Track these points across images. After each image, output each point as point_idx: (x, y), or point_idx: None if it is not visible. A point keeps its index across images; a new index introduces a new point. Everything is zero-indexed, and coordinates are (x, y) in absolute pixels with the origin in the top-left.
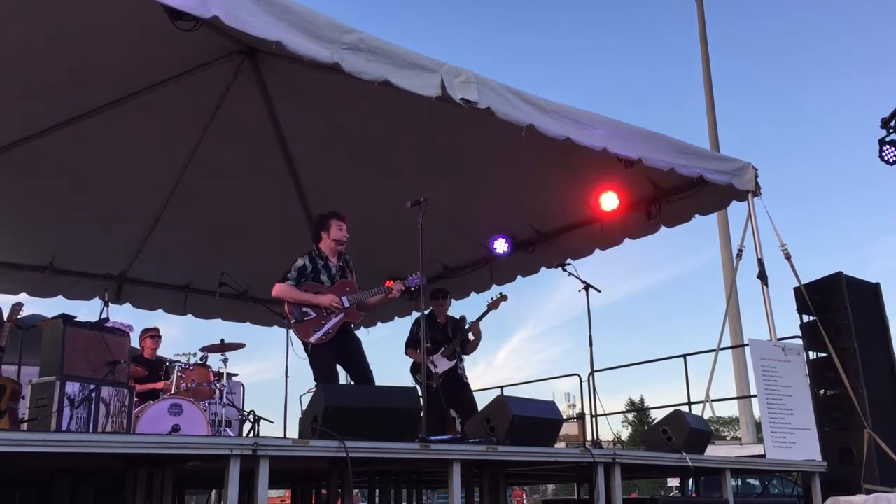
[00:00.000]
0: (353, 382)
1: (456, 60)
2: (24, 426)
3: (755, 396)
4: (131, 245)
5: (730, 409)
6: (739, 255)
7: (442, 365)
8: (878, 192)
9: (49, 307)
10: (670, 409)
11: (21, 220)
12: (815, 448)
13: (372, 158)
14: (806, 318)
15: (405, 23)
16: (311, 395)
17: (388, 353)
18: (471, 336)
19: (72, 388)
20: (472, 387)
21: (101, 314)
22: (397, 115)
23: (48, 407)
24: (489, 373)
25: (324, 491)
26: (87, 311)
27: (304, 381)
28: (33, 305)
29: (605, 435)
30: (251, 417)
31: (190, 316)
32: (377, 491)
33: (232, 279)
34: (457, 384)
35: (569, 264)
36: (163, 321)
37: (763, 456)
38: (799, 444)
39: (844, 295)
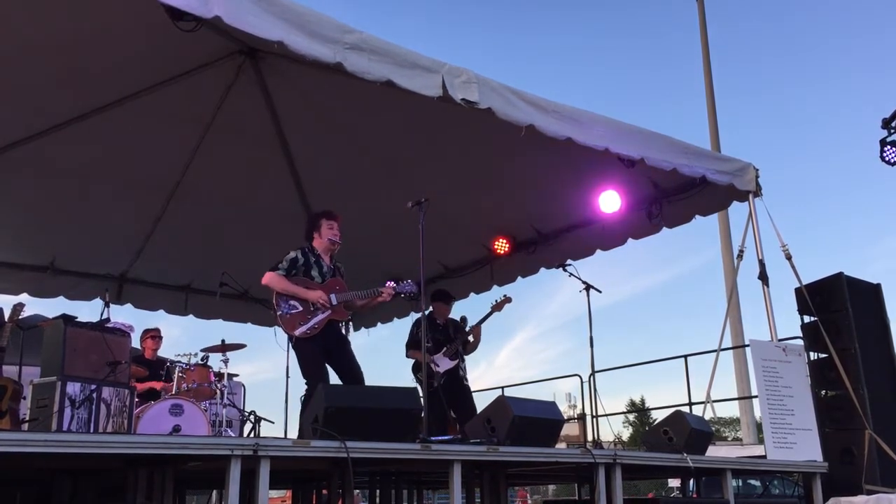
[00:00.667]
0: (340, 381)
1: (456, 60)
2: (25, 426)
3: (756, 397)
4: (132, 245)
5: (731, 410)
6: (740, 256)
7: (444, 364)
8: (879, 192)
9: (50, 307)
10: (671, 410)
11: (22, 220)
12: (815, 449)
13: (373, 158)
14: (807, 319)
15: (405, 23)
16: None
17: (387, 354)
18: (471, 338)
19: (73, 388)
20: (474, 387)
21: (101, 314)
22: (398, 115)
23: (49, 407)
24: (490, 373)
25: (324, 491)
26: (88, 311)
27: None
28: (34, 306)
29: (606, 435)
30: (252, 418)
31: (191, 316)
32: (378, 491)
33: (233, 279)
34: (457, 385)
35: (569, 265)
36: (164, 321)
37: (764, 456)
38: (800, 444)
39: (845, 295)
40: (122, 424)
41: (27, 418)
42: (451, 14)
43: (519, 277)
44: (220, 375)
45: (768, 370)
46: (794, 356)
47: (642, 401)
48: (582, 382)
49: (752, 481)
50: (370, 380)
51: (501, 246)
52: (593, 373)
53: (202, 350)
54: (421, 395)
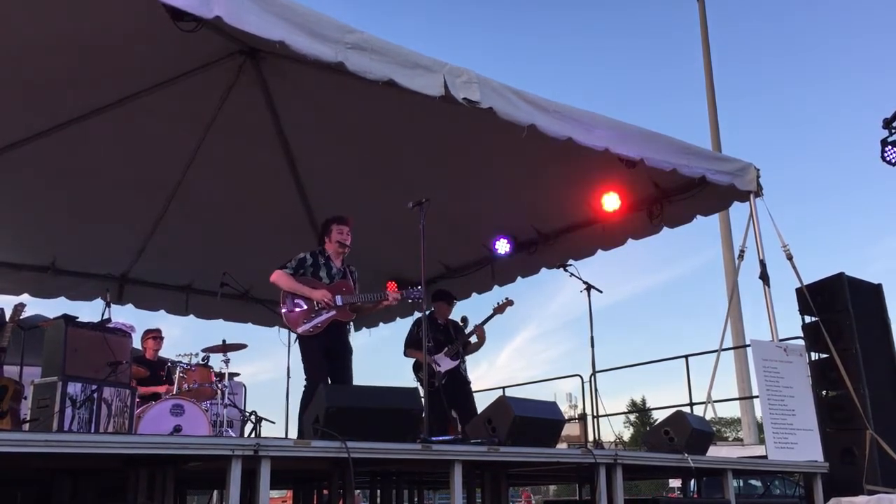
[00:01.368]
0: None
1: (456, 61)
2: (26, 426)
3: (757, 397)
4: (133, 245)
5: (731, 410)
6: (741, 256)
7: (445, 364)
8: (881, 192)
9: (51, 308)
10: (672, 410)
11: (22, 220)
12: (816, 449)
13: (374, 158)
14: (808, 319)
15: (405, 23)
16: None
17: (388, 354)
18: (474, 339)
19: (73, 388)
20: (475, 387)
21: (102, 315)
22: (398, 115)
23: (50, 407)
24: (491, 373)
25: (325, 491)
26: (88, 311)
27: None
28: (35, 306)
29: (607, 436)
30: (253, 418)
31: (192, 316)
32: (378, 491)
33: (234, 279)
34: (459, 385)
35: (570, 265)
36: (164, 322)
37: (765, 457)
38: (801, 444)
39: (846, 295)
40: (122, 424)
41: (28, 418)
42: (452, 14)
43: (520, 277)
44: (220, 375)
45: (769, 370)
46: (794, 356)
47: (643, 401)
48: (583, 382)
49: (753, 481)
50: (371, 380)
51: (502, 246)
52: (594, 373)
53: (203, 350)
54: (421, 395)
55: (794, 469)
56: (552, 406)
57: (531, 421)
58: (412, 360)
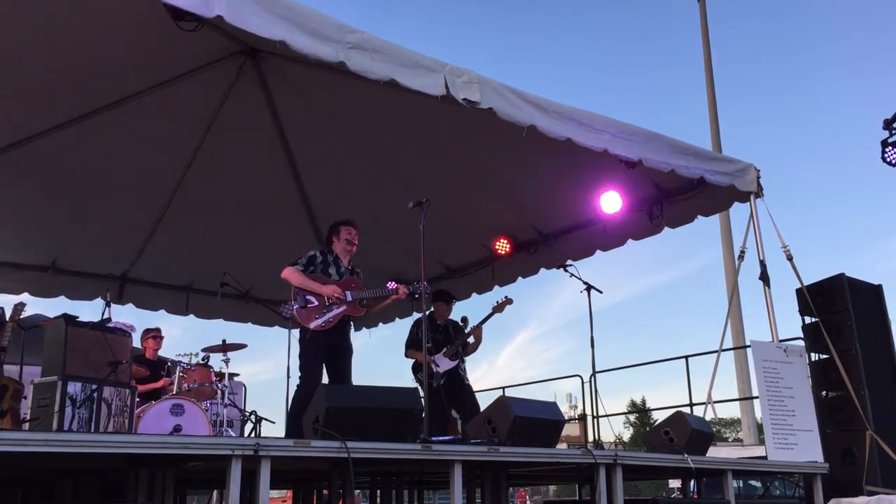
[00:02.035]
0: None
1: (456, 61)
2: (26, 426)
3: (757, 398)
4: (133, 245)
5: (731, 411)
6: (741, 257)
7: (444, 364)
8: (882, 193)
9: (51, 307)
10: (672, 411)
11: (23, 219)
12: (816, 449)
13: (374, 159)
14: (808, 320)
15: (406, 23)
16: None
17: (388, 354)
18: (471, 339)
19: (73, 388)
20: (475, 387)
21: (103, 314)
22: (399, 115)
23: (50, 407)
24: (492, 373)
25: (325, 491)
26: (89, 311)
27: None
28: (35, 305)
29: (607, 436)
30: (253, 418)
31: (192, 316)
32: (378, 491)
33: (234, 279)
34: (458, 385)
35: (570, 265)
36: (165, 321)
37: (765, 457)
38: (801, 445)
39: (846, 296)
40: (122, 424)
41: (28, 418)
42: (452, 14)
43: (520, 278)
44: (220, 375)
45: (769, 371)
46: (795, 357)
47: (643, 401)
48: (583, 383)
49: (753, 482)
50: (371, 380)
51: (502, 246)
52: (594, 373)
53: (203, 350)
54: (421, 395)
55: (794, 470)
56: (552, 406)
57: (531, 421)
58: (412, 361)
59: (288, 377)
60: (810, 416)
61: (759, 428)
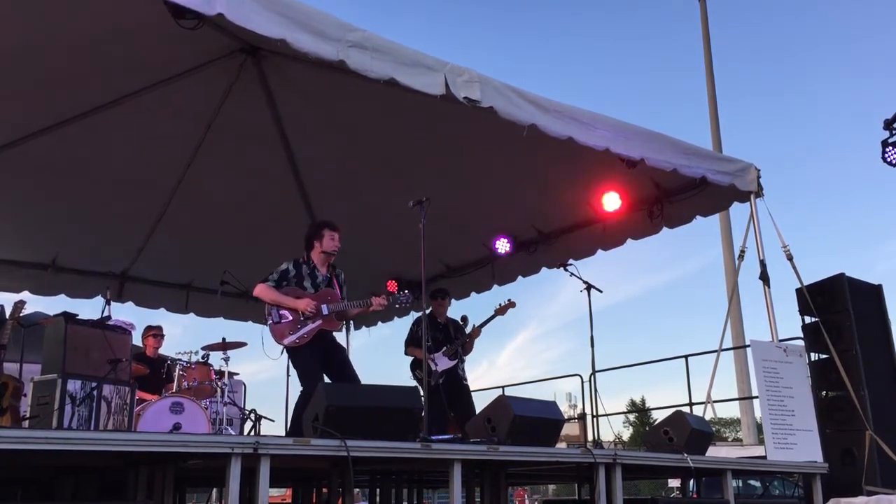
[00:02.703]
0: None
1: (457, 60)
2: (26, 424)
3: (756, 397)
4: (133, 243)
5: (731, 410)
6: (741, 256)
7: (442, 363)
8: (882, 193)
9: (51, 305)
10: (671, 410)
11: (24, 217)
12: (816, 449)
13: (374, 157)
14: (808, 320)
15: (406, 22)
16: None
17: (388, 354)
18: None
19: (73, 385)
20: (474, 387)
21: (102, 312)
22: (400, 114)
23: (50, 405)
24: (492, 372)
25: (324, 490)
26: (89, 309)
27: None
28: (35, 303)
29: (607, 435)
30: (252, 416)
31: (192, 314)
32: (378, 490)
33: (234, 278)
34: (456, 384)
35: (570, 265)
36: (165, 320)
37: (764, 457)
38: (800, 445)
39: (846, 296)
40: (122, 422)
41: (28, 416)
42: (453, 14)
43: (520, 277)
44: (220, 373)
45: (769, 371)
46: (794, 357)
47: (643, 401)
48: (582, 382)
49: (753, 482)
50: (371, 379)
51: (503, 245)
52: (594, 373)
53: (203, 348)
54: (421, 394)
55: (793, 469)
56: (552, 406)
57: (531, 420)
58: (410, 359)
59: (288, 376)
60: (810, 416)
61: (759, 428)
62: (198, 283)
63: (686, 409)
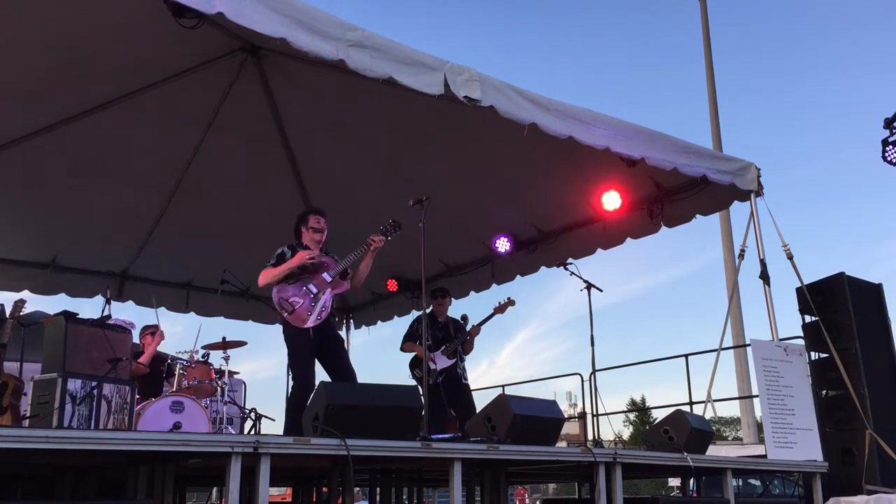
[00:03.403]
0: (330, 378)
1: (457, 59)
2: (26, 423)
3: (757, 396)
4: (134, 242)
5: (731, 410)
6: (741, 255)
7: (441, 363)
8: (883, 193)
9: (51, 304)
10: (672, 409)
11: (23, 217)
12: (816, 448)
13: (374, 156)
14: (808, 319)
15: (406, 21)
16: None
17: (388, 353)
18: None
19: (74, 384)
20: (474, 386)
21: (103, 311)
22: (400, 113)
23: (50, 404)
24: (492, 372)
25: (325, 489)
26: (89, 308)
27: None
28: (35, 302)
29: (607, 434)
30: (252, 415)
31: (192, 313)
32: (378, 489)
33: (234, 277)
34: (455, 384)
35: (570, 264)
36: (165, 319)
37: (764, 456)
38: (800, 444)
39: (847, 295)
40: (122, 421)
41: (28, 414)
42: (453, 14)
43: (519, 276)
44: (220, 373)
45: (769, 370)
46: (794, 356)
47: (643, 400)
48: (583, 381)
49: (753, 481)
50: (371, 378)
51: (503, 244)
52: (594, 372)
53: (203, 347)
54: (421, 392)
55: (793, 469)
56: (552, 404)
57: (531, 419)
58: (410, 358)
59: (288, 375)
60: (810, 415)
61: (759, 427)
62: (198, 282)
63: (686, 408)
